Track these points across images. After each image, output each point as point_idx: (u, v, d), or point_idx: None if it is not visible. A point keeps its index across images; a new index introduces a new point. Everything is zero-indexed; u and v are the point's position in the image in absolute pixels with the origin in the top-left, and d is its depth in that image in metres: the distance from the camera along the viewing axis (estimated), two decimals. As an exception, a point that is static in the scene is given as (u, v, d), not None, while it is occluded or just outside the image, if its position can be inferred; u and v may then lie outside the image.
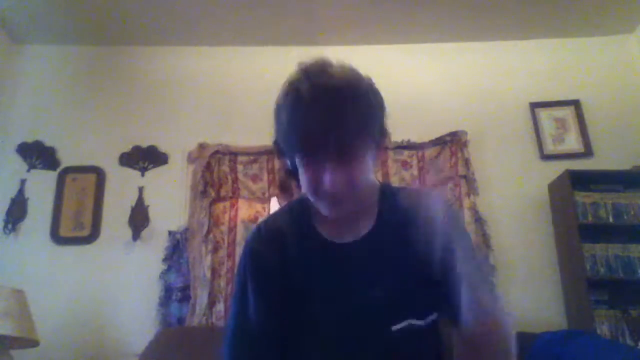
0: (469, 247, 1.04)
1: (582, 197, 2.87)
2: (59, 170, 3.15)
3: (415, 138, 3.17)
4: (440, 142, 3.20)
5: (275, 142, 1.01)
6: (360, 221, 1.01)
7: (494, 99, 3.36)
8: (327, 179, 0.89)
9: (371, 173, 0.98)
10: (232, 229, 3.05)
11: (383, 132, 0.97)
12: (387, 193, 1.05)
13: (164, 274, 2.94)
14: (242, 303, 1.01)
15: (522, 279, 2.93)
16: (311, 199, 0.96)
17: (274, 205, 3.11)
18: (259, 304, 0.99)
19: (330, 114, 0.86)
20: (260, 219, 1.18)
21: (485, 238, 2.96)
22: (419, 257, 0.94)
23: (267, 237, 1.05)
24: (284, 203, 1.22)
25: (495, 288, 1.09)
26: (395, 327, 0.93)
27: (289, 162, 0.99)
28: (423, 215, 0.97)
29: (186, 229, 3.02)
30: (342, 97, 0.87)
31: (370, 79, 0.96)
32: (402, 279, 0.96)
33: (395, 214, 0.99)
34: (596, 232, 2.85)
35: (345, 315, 0.95)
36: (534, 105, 3.34)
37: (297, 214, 1.05)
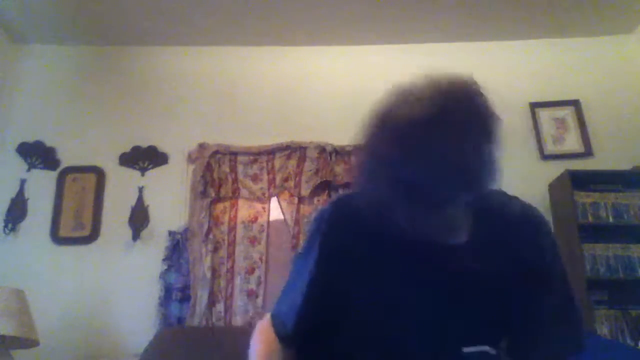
0: (564, 272, 0.96)
1: (582, 197, 2.87)
2: (59, 170, 3.15)
3: (415, 138, 3.16)
4: (440, 142, 3.19)
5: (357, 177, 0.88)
6: (454, 219, 0.89)
7: (494, 99, 3.35)
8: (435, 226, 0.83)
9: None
10: (232, 229, 3.05)
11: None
12: (482, 198, 0.92)
13: (164, 274, 2.94)
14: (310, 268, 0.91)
15: (522, 279, 2.93)
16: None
17: (274, 205, 3.11)
18: (318, 279, 0.89)
19: (459, 164, 0.78)
20: (339, 197, 1.03)
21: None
22: (513, 277, 0.88)
23: (347, 217, 0.92)
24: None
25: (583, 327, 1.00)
26: (467, 350, 0.85)
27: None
28: (527, 233, 0.91)
29: (186, 229, 3.02)
30: (472, 129, 0.81)
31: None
32: (491, 297, 0.87)
33: (495, 221, 0.90)
34: (596, 232, 2.84)
35: (416, 325, 0.86)
36: (534, 105, 3.33)
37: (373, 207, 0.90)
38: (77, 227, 3.03)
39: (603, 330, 2.66)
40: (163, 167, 3.19)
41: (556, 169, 3.03)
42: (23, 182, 3.11)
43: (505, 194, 1.00)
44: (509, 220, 0.92)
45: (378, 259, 0.89)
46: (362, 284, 0.89)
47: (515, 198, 1.01)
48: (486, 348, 0.86)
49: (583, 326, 0.97)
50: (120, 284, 2.92)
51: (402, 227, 0.84)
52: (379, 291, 0.88)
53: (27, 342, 2.44)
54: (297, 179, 3.11)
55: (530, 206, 1.03)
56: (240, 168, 3.15)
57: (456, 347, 0.85)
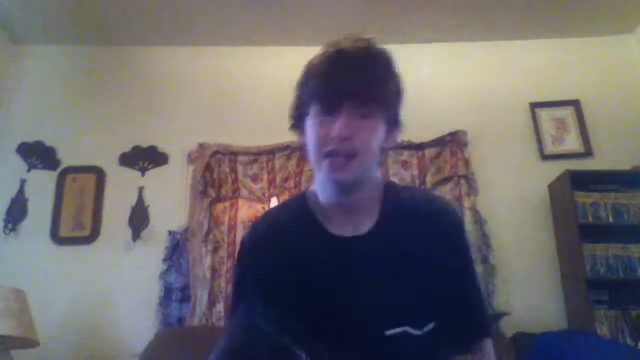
0: (470, 260, 1.04)
1: (582, 197, 2.87)
2: (59, 170, 3.15)
3: (415, 138, 3.16)
4: (440, 142, 3.20)
5: (292, 115, 1.01)
6: (362, 215, 0.98)
7: (494, 99, 3.36)
8: (338, 123, 0.89)
9: (377, 156, 0.97)
10: (232, 229, 3.05)
11: (397, 118, 0.99)
12: (391, 190, 1.03)
13: (164, 274, 2.94)
14: (245, 302, 1.01)
15: (522, 279, 2.93)
16: (315, 159, 0.95)
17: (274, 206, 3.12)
18: (261, 299, 0.98)
19: (353, 67, 0.89)
20: (259, 216, 1.13)
21: (485, 238, 2.96)
22: (421, 262, 0.94)
23: (264, 232, 1.04)
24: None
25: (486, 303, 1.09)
26: (389, 332, 0.90)
27: (300, 132, 1.00)
28: (431, 220, 0.98)
29: (186, 229, 3.02)
30: (369, 58, 0.92)
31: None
32: (402, 282, 0.93)
33: (400, 212, 0.98)
34: (596, 232, 2.84)
35: (342, 311, 0.93)
36: (534, 105, 3.33)
37: (297, 207, 1.04)
38: (77, 227, 3.03)
39: (603, 330, 2.66)
40: (163, 167, 3.19)
41: (556, 169, 3.04)
42: (23, 182, 3.11)
43: (414, 187, 1.14)
44: (414, 210, 0.99)
45: (297, 256, 0.98)
46: (279, 281, 0.98)
47: (424, 190, 1.14)
48: (407, 328, 0.91)
49: (487, 313, 1.06)
50: (120, 284, 2.92)
51: (313, 223, 0.99)
52: (294, 285, 0.96)
53: (27, 342, 2.44)
54: (297, 179, 3.11)
55: (439, 197, 1.13)
56: (240, 168, 3.15)
57: (380, 330, 0.90)
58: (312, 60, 0.96)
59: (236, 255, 1.08)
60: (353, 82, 0.90)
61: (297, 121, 1.00)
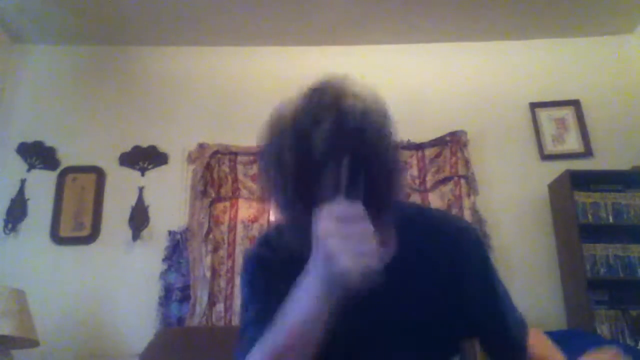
0: (497, 275, 0.99)
1: (582, 197, 2.87)
2: (59, 170, 3.15)
3: (415, 138, 3.16)
4: (440, 142, 3.20)
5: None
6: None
7: (494, 99, 3.36)
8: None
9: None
10: (232, 229, 3.05)
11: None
12: (402, 212, 0.93)
13: (164, 274, 2.94)
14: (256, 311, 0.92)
15: (522, 279, 2.93)
16: None
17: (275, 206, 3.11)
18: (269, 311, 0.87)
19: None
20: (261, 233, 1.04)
21: (485, 238, 2.96)
22: (445, 292, 0.89)
23: (277, 245, 0.94)
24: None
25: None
26: None
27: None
28: (454, 248, 0.92)
29: (186, 229, 3.02)
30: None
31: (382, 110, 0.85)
32: (423, 317, 0.88)
33: (418, 239, 0.91)
34: (596, 232, 2.85)
35: (356, 350, 0.87)
36: (534, 105, 3.33)
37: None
38: (77, 227, 3.03)
39: (603, 330, 2.66)
40: (163, 167, 3.19)
41: (556, 169, 3.04)
42: (23, 182, 3.11)
43: (425, 207, 1.04)
44: (430, 231, 0.93)
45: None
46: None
47: (437, 209, 1.05)
48: None
49: (523, 327, 1.03)
50: (120, 284, 2.92)
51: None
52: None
53: (27, 342, 2.44)
54: (297, 179, 3.11)
55: (452, 215, 1.08)
56: (240, 168, 3.15)
57: None
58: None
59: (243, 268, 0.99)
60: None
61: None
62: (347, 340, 0.85)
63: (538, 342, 1.00)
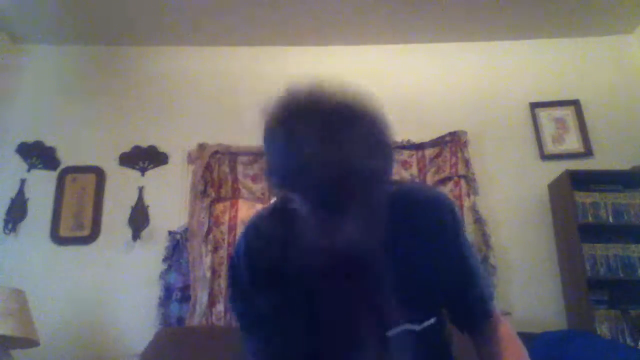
0: (466, 242, 1.03)
1: (582, 197, 2.87)
2: (59, 170, 3.15)
3: (415, 138, 3.17)
4: (440, 142, 3.20)
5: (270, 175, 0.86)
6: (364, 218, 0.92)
7: (494, 99, 3.36)
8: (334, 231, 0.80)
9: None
10: (232, 229, 3.05)
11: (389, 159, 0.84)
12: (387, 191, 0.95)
13: (164, 274, 2.94)
14: (244, 301, 1.00)
15: (522, 279, 2.93)
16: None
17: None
18: (260, 299, 0.96)
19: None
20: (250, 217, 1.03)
21: (485, 238, 2.96)
22: (416, 254, 0.94)
23: (264, 230, 0.98)
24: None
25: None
26: (390, 333, 0.91)
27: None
28: (429, 215, 0.97)
29: (186, 229, 3.02)
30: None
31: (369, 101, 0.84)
32: (402, 282, 0.92)
33: (398, 211, 0.92)
34: (596, 232, 2.85)
35: (343, 315, 0.92)
36: (534, 105, 3.33)
37: (284, 213, 0.94)
38: (77, 227, 3.03)
39: (603, 330, 2.66)
40: (163, 167, 3.19)
41: (556, 169, 3.04)
42: (23, 182, 3.11)
43: (400, 182, 1.07)
44: (403, 202, 0.96)
45: (296, 262, 0.92)
46: (276, 293, 0.94)
47: (406, 181, 1.10)
48: (406, 326, 0.92)
49: (489, 295, 1.05)
50: (120, 284, 2.92)
51: (308, 232, 0.86)
52: (293, 299, 0.93)
53: (27, 342, 2.44)
54: (297, 179, 3.11)
55: (423, 186, 1.14)
56: (240, 168, 3.15)
57: (381, 332, 0.91)
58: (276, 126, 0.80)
59: (230, 267, 1.03)
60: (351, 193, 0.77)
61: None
62: (331, 311, 0.91)
63: (506, 334, 1.04)
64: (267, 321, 0.96)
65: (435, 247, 0.96)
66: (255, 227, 1.02)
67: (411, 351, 0.92)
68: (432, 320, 0.95)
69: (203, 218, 3.01)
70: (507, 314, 2.75)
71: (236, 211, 3.10)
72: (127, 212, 3.06)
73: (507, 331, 1.03)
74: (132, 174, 3.17)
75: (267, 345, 0.97)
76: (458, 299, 1.01)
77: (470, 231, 2.93)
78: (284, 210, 0.92)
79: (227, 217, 3.07)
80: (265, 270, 0.95)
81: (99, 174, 3.14)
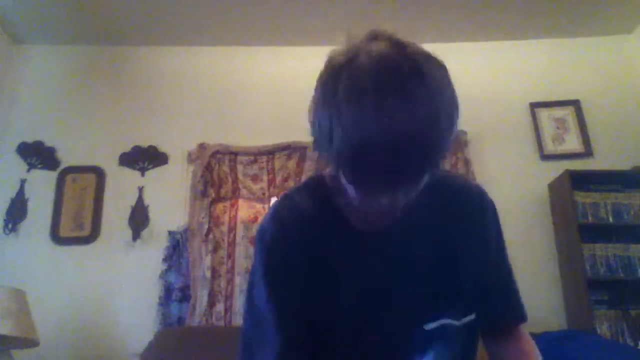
0: (504, 244, 1.02)
1: (582, 197, 2.88)
2: (59, 170, 3.15)
3: (415, 138, 3.16)
4: (440, 142, 3.19)
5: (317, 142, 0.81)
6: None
7: (494, 99, 3.36)
8: (386, 205, 0.74)
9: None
10: (232, 229, 3.05)
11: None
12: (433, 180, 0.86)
13: (164, 274, 2.94)
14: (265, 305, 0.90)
15: (522, 279, 2.91)
16: (351, 206, 0.82)
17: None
18: (284, 305, 0.88)
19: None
20: (277, 203, 0.95)
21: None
22: (457, 250, 0.91)
23: (291, 231, 0.90)
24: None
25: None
26: (428, 327, 0.88)
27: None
28: (462, 205, 0.95)
29: (186, 229, 3.02)
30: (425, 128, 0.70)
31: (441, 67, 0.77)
32: (439, 274, 0.89)
33: (430, 198, 0.83)
34: (596, 232, 2.85)
35: (376, 313, 0.88)
36: (534, 105, 3.34)
37: (320, 199, 0.89)
38: (77, 227, 3.03)
39: (603, 330, 2.66)
40: (163, 167, 3.19)
41: (556, 169, 3.04)
42: (23, 182, 3.11)
43: (448, 173, 1.03)
44: (443, 195, 0.93)
45: (324, 259, 0.88)
46: (313, 290, 0.88)
47: (449, 172, 1.05)
48: (447, 320, 0.88)
49: (521, 299, 1.05)
50: (120, 284, 2.92)
51: (337, 219, 0.86)
52: (329, 295, 0.88)
53: (27, 342, 2.44)
54: (297, 179, 3.11)
55: (476, 185, 1.08)
56: (240, 168, 3.15)
57: (418, 326, 0.87)
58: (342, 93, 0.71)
59: (261, 257, 0.92)
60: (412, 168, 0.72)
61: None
62: (351, 309, 0.87)
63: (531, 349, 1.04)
64: (317, 311, 0.88)
65: (481, 243, 0.95)
66: (295, 207, 0.92)
67: (449, 345, 0.90)
68: (473, 316, 0.92)
69: (203, 218, 3.01)
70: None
71: (236, 211, 3.10)
72: (127, 212, 3.06)
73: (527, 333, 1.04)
74: (132, 174, 3.17)
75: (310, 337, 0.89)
76: (499, 298, 1.00)
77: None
78: (324, 188, 0.88)
79: (227, 217, 3.07)
80: (314, 259, 0.88)
81: (99, 174, 3.14)
